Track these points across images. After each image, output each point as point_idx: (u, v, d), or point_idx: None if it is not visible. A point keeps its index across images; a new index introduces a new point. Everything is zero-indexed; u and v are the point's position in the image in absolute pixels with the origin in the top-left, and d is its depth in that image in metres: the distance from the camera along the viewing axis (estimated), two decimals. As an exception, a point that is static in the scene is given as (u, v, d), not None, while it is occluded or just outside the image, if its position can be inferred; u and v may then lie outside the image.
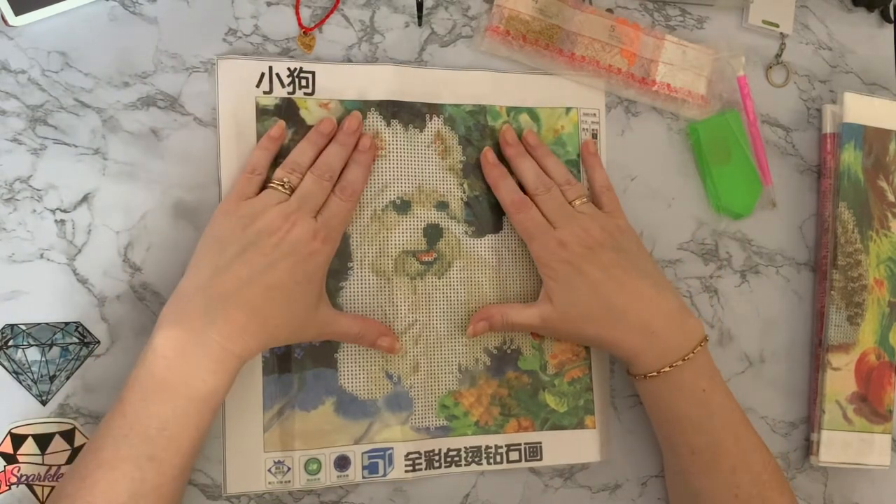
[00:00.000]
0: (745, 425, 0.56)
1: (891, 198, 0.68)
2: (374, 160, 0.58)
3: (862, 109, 0.68)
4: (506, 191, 0.59)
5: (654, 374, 0.55)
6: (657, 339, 0.55)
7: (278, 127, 0.56)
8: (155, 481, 0.45)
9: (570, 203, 0.58)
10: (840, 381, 0.65)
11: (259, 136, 0.56)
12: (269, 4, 0.59)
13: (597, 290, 0.55)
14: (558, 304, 0.56)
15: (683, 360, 0.55)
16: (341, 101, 0.58)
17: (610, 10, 0.65)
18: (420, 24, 0.62)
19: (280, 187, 0.53)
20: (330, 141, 0.56)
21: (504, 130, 0.61)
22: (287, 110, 0.57)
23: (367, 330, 0.55)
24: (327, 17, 0.59)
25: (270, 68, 0.57)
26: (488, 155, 0.60)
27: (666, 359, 0.55)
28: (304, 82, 0.58)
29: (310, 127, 0.57)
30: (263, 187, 0.54)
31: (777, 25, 0.69)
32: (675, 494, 0.60)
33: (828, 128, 0.69)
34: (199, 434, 0.47)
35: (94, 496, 0.44)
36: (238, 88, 0.56)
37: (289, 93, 0.57)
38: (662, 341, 0.55)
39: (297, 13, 0.59)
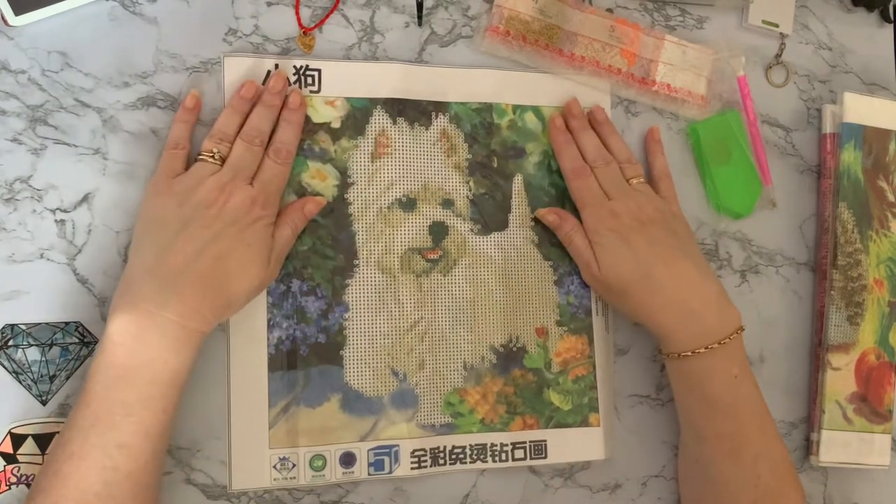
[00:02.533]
0: (769, 417, 0.57)
1: (891, 198, 0.68)
2: (304, 118, 0.56)
3: (862, 109, 0.68)
4: (569, 157, 0.60)
5: (688, 353, 0.55)
6: (693, 319, 0.55)
7: (192, 97, 0.54)
8: (127, 468, 0.45)
9: (627, 181, 0.59)
10: (840, 380, 0.65)
11: None
12: (269, 4, 0.59)
13: (639, 259, 0.56)
14: (602, 269, 0.57)
15: (719, 343, 0.55)
16: (347, 99, 0.58)
17: (610, 10, 0.65)
18: (420, 24, 0.62)
19: (210, 158, 0.52)
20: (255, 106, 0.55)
21: (570, 102, 0.62)
22: None
23: (294, 220, 0.54)
24: (327, 17, 0.59)
25: (277, 66, 0.57)
26: (556, 120, 0.61)
27: (700, 340, 0.55)
28: (310, 80, 0.58)
29: (316, 124, 0.57)
30: (191, 163, 0.53)
31: (777, 25, 0.69)
32: (690, 483, 0.60)
33: (828, 128, 0.69)
34: (166, 417, 0.47)
35: (67, 488, 0.44)
36: None
37: None
38: (698, 322, 0.55)
39: (297, 13, 0.59)
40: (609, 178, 0.59)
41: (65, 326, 0.53)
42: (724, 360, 0.55)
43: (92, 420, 0.45)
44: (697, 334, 0.55)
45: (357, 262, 0.57)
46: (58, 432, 0.51)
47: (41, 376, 0.52)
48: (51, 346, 0.52)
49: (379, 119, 0.59)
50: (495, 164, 0.61)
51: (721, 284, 0.58)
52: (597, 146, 0.60)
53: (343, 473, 0.56)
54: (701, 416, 0.56)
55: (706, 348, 0.55)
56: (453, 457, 0.58)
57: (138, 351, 0.46)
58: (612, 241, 0.56)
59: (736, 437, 0.55)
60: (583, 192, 0.59)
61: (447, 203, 0.60)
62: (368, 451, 0.56)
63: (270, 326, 0.55)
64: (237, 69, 0.56)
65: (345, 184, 0.58)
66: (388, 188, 0.58)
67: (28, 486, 0.51)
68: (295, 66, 0.57)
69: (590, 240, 0.58)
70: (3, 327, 0.52)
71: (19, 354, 0.52)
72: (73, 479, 0.44)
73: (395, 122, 0.59)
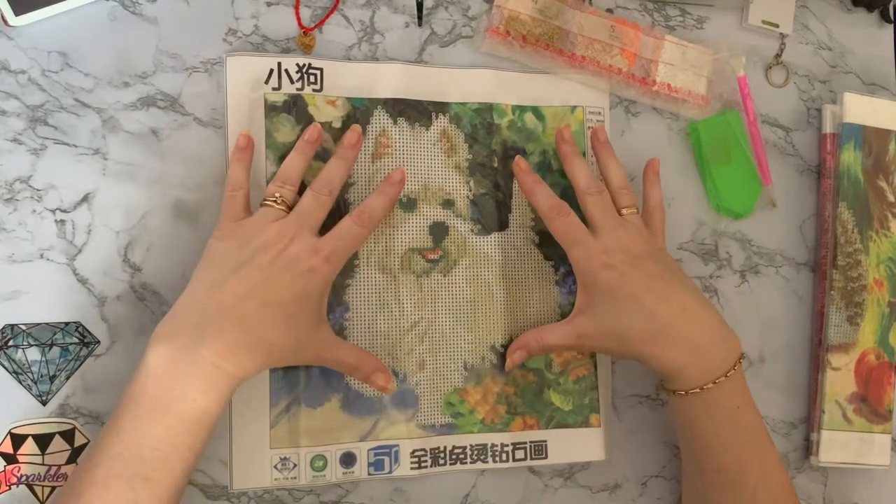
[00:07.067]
0: (769, 444, 0.55)
1: (891, 198, 0.68)
2: (400, 192, 0.57)
3: (861, 109, 0.68)
4: (543, 196, 0.57)
5: (697, 390, 0.53)
6: (702, 353, 0.53)
7: (243, 136, 0.54)
8: (148, 502, 0.44)
9: (618, 211, 0.57)
10: (840, 381, 0.65)
11: (268, 132, 0.56)
12: (269, 4, 0.59)
13: (640, 302, 0.53)
14: (597, 316, 0.55)
15: (725, 376, 0.53)
16: (349, 99, 0.58)
17: (610, 11, 0.65)
18: (420, 25, 0.62)
19: (274, 203, 0.52)
20: (313, 147, 0.55)
21: (562, 128, 0.59)
22: (296, 107, 0.57)
23: (363, 362, 0.54)
24: (327, 17, 0.59)
25: (279, 64, 0.57)
26: (521, 163, 0.58)
27: (709, 374, 0.53)
28: (312, 79, 0.58)
29: (318, 124, 0.57)
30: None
31: (777, 25, 0.69)
32: None
33: (828, 128, 0.69)
34: (192, 455, 0.46)
35: None
36: (247, 85, 0.56)
37: (297, 89, 0.57)
38: (707, 356, 0.53)
39: (297, 13, 0.59)
40: (599, 208, 0.56)
41: (65, 326, 0.53)
42: (728, 393, 0.54)
43: (120, 449, 0.44)
44: (706, 369, 0.53)
45: (357, 262, 0.57)
46: (58, 433, 0.52)
47: (41, 376, 0.52)
48: (51, 346, 0.52)
49: (380, 119, 0.59)
50: (495, 164, 0.61)
51: (718, 313, 0.56)
52: (587, 174, 0.57)
53: (343, 473, 0.56)
54: (702, 451, 0.55)
55: (714, 383, 0.53)
56: (453, 457, 0.58)
57: (169, 384, 0.45)
58: (609, 281, 0.53)
59: (735, 469, 0.54)
60: (567, 230, 0.55)
61: (447, 203, 0.60)
62: (368, 451, 0.56)
63: None
64: (239, 69, 0.56)
65: (345, 184, 0.58)
66: (389, 188, 0.58)
67: (28, 486, 0.51)
68: (298, 65, 0.57)
69: (582, 282, 0.56)
70: (3, 327, 0.52)
71: (19, 354, 0.52)
72: None
73: (395, 123, 0.59)
